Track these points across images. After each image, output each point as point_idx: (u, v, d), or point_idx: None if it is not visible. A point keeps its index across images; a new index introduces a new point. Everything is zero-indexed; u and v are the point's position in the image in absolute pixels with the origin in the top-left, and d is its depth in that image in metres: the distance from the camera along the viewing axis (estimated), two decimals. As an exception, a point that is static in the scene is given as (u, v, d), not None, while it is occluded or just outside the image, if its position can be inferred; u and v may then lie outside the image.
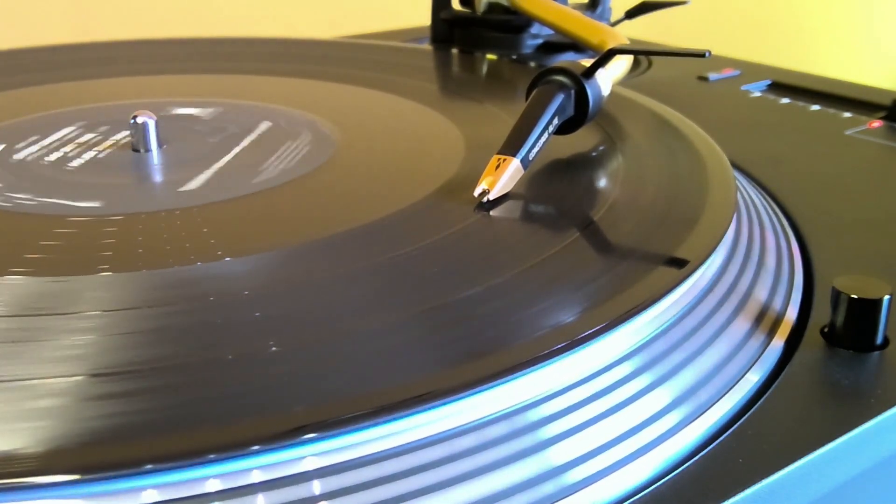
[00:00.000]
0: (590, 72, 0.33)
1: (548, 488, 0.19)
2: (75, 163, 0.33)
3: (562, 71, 0.33)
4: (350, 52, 0.50)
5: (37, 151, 0.34)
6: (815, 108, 0.47)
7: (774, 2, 1.10)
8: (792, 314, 0.26)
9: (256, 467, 0.17)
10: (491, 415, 0.19)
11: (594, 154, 0.34)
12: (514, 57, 0.53)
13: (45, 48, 0.50)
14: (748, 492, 0.20)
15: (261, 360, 0.20)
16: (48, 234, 0.27)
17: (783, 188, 0.36)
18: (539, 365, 0.20)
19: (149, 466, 0.17)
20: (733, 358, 0.24)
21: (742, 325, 0.25)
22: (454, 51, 0.54)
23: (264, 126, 0.37)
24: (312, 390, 0.19)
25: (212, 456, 0.17)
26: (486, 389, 0.19)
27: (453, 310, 0.22)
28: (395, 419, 0.18)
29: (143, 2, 0.75)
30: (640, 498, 0.20)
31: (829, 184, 0.37)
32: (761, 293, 0.26)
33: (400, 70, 0.46)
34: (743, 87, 0.51)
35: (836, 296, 0.25)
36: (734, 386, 0.23)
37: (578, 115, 0.33)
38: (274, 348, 0.20)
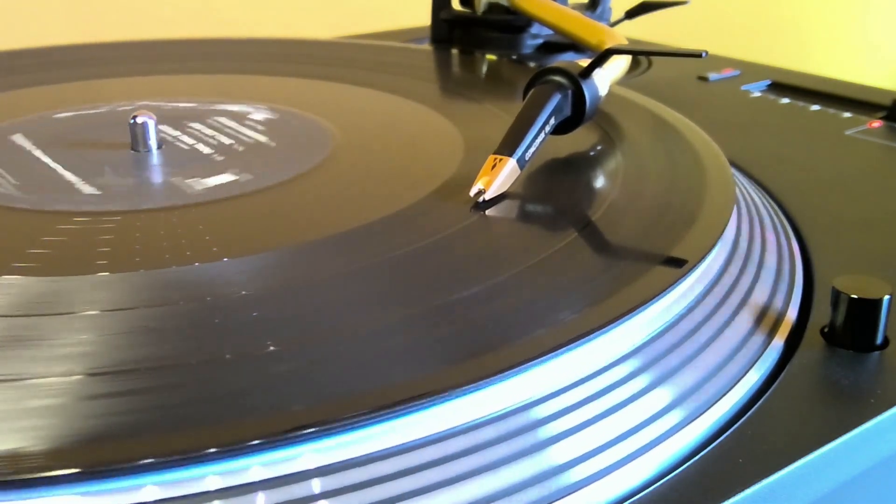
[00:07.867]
0: (587, 72, 0.33)
1: (548, 488, 0.19)
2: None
3: (559, 71, 0.33)
4: (350, 52, 0.50)
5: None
6: (815, 108, 0.47)
7: (774, 2, 1.10)
8: (792, 314, 0.26)
9: (256, 466, 0.17)
10: (490, 414, 0.19)
11: (592, 154, 0.34)
12: (514, 57, 0.53)
13: (45, 48, 0.50)
14: (748, 492, 0.20)
15: (259, 360, 0.20)
16: (46, 234, 0.27)
17: (783, 188, 0.36)
18: (538, 364, 0.20)
19: (149, 464, 0.17)
20: (733, 358, 0.24)
21: (742, 324, 0.25)
22: (454, 51, 0.54)
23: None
24: (311, 390, 0.19)
25: (211, 454, 0.17)
26: (485, 388, 0.19)
27: (451, 309, 0.22)
28: (393, 418, 0.18)
29: (142, 2, 0.75)
30: (640, 498, 0.20)
31: (829, 184, 0.37)
32: (761, 293, 0.26)
33: (400, 70, 0.46)
34: (743, 87, 0.51)
35: (836, 296, 0.25)
36: (734, 386, 0.23)
37: (575, 115, 0.33)
38: (272, 348, 0.20)
